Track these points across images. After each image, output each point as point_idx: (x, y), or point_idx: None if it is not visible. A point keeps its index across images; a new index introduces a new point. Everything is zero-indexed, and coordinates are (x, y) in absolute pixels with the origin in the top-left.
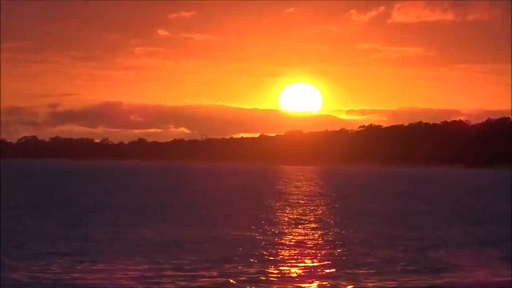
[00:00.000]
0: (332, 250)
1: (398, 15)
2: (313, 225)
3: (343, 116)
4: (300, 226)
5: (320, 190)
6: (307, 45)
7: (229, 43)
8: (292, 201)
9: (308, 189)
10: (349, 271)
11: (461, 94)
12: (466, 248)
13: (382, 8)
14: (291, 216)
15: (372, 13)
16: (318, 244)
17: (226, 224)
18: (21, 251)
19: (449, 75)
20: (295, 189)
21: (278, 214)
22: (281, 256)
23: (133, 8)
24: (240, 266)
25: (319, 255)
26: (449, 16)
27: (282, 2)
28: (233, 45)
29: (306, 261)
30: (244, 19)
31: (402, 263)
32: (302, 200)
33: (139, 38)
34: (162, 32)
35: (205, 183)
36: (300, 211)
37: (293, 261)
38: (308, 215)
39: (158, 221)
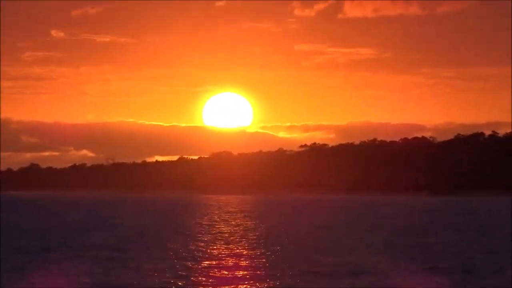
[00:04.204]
0: None
1: (352, 9)
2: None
3: (281, 134)
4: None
5: (250, 224)
6: (236, 46)
7: (141, 45)
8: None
9: (235, 223)
10: None
11: (425, 105)
12: None
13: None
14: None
15: (320, 6)
16: None
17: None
18: None
19: (411, 81)
20: (221, 223)
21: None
22: None
23: (20, 3)
24: None
25: None
26: (414, 9)
27: None
28: (146, 47)
29: None
30: (161, 15)
31: None
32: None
33: (28, 41)
34: (56, 33)
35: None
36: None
37: None
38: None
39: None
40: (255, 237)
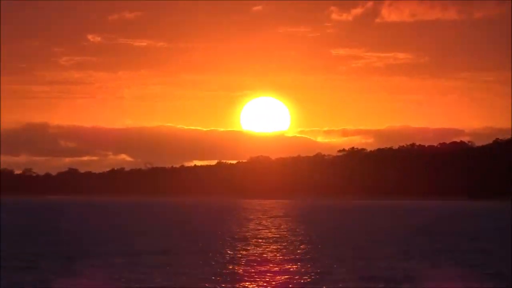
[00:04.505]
0: None
1: (389, 13)
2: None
3: (319, 138)
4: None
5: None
6: (273, 51)
7: (178, 50)
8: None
9: (284, 227)
10: None
11: (463, 109)
12: None
13: (370, 3)
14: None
15: (357, 11)
16: None
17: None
18: None
19: (449, 86)
20: (270, 227)
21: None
22: None
23: (55, 7)
24: None
25: None
26: (451, 14)
27: None
28: (183, 51)
29: None
30: (198, 19)
31: None
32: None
33: (65, 45)
34: (93, 38)
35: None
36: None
37: None
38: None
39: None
40: (307, 241)
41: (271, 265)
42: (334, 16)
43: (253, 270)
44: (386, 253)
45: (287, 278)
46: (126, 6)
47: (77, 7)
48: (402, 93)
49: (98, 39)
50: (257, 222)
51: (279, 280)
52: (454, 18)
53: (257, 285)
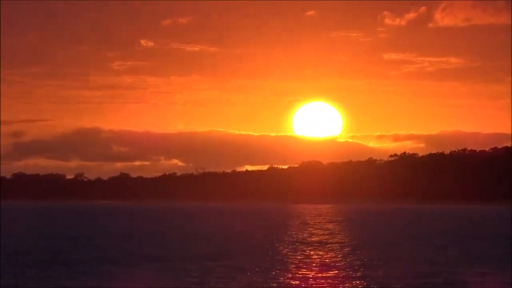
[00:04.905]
0: None
1: (442, 18)
2: None
3: (371, 143)
4: None
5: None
6: (326, 56)
7: (230, 55)
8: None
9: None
10: None
11: None
12: None
13: (423, 8)
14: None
15: (410, 15)
16: None
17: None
18: None
19: (501, 90)
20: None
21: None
22: None
23: (107, 12)
24: None
25: None
26: (504, 18)
27: (301, 2)
28: (235, 57)
29: None
30: (251, 24)
31: None
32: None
33: (118, 50)
34: (146, 43)
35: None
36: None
37: None
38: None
39: None
40: (368, 246)
41: (340, 270)
42: (387, 20)
43: (322, 275)
44: (441, 257)
45: (357, 283)
46: (179, 11)
47: (130, 12)
48: (454, 98)
49: (151, 43)
50: (319, 227)
51: (349, 285)
52: (507, 23)
53: None
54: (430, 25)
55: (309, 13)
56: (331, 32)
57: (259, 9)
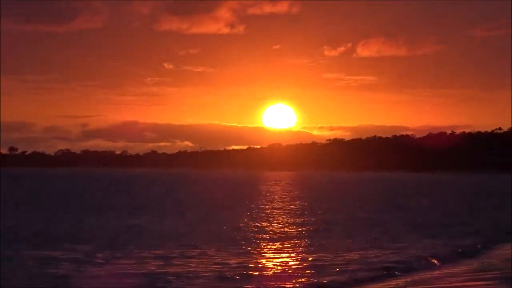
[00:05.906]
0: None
1: (362, 50)
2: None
3: (315, 132)
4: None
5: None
6: (286, 74)
7: (223, 73)
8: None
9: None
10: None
11: (409, 113)
12: None
13: (349, 44)
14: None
15: (341, 49)
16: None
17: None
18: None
19: (400, 98)
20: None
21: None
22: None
23: (143, 44)
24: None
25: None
26: (402, 51)
27: (271, 40)
28: (226, 74)
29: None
30: (236, 53)
31: None
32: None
33: (149, 70)
34: (168, 65)
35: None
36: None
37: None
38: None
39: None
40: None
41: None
42: (326, 52)
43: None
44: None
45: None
46: (191, 45)
47: (157, 44)
48: (369, 103)
49: (171, 66)
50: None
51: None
52: (404, 54)
53: None
54: (354, 55)
55: (275, 46)
56: (290, 59)
57: (243, 44)
